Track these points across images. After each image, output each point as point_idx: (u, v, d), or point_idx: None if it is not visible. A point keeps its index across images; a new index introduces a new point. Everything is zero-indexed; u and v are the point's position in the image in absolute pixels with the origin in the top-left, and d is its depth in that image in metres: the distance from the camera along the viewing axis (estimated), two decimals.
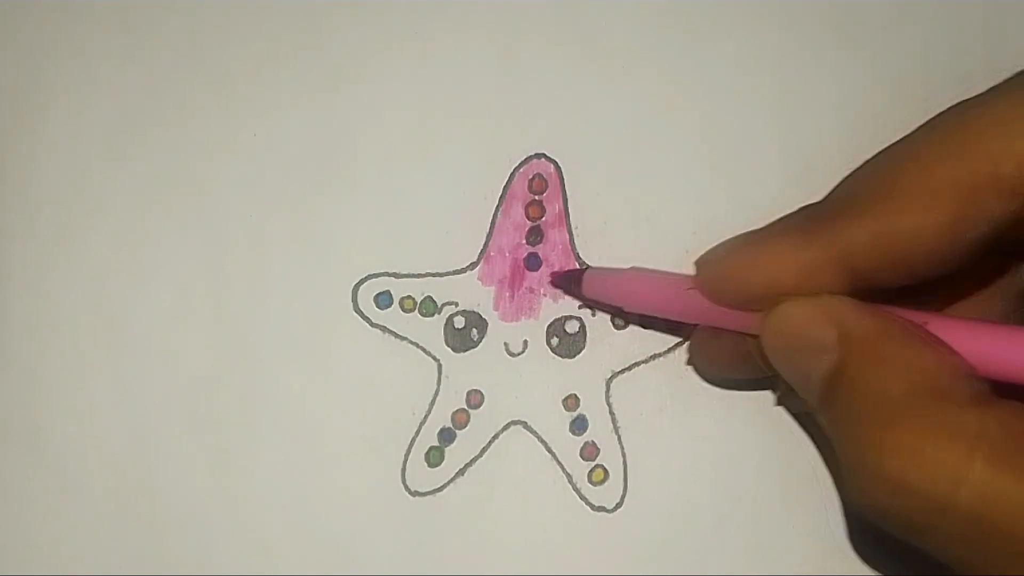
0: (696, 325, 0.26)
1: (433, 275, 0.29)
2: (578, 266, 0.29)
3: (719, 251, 0.23)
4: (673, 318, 0.26)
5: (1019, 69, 0.21)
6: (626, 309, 0.26)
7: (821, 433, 0.24)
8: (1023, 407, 0.19)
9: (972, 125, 0.20)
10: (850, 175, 0.22)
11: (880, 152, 0.22)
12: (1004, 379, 0.20)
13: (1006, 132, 0.19)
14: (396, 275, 0.29)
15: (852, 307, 0.21)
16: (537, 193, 0.29)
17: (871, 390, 0.20)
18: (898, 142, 0.21)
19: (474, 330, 0.29)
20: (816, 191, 0.28)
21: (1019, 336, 0.20)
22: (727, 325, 0.24)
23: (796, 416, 0.28)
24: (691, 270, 0.24)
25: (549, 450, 0.28)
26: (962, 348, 0.20)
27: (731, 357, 0.25)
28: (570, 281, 0.28)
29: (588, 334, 0.29)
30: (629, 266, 0.26)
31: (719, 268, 0.23)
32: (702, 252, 0.28)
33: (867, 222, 0.20)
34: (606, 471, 0.28)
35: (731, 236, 0.23)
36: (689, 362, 0.28)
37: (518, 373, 0.29)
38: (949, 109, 0.21)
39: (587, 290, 0.27)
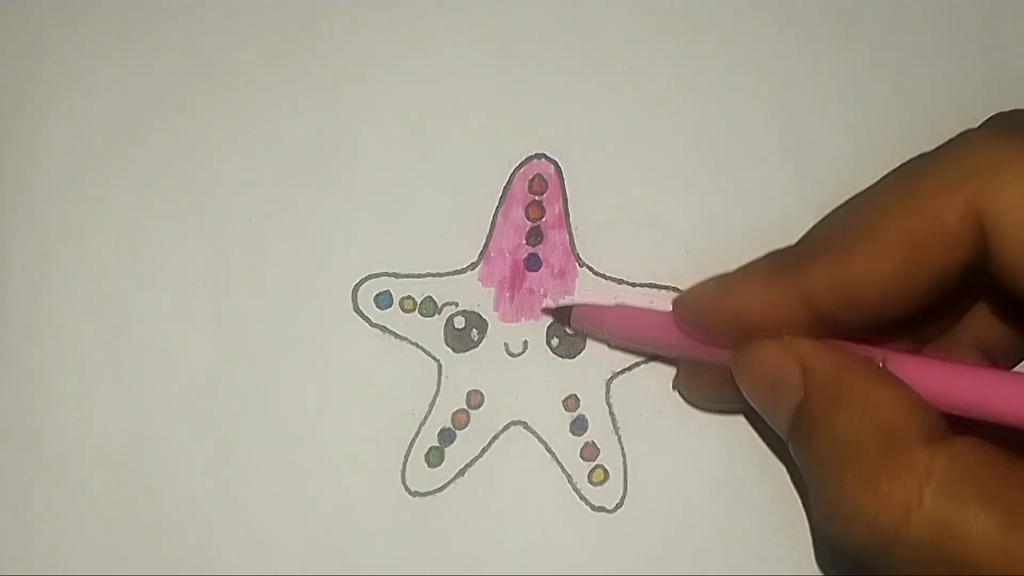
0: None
1: (433, 275, 0.29)
2: (578, 266, 0.29)
3: (695, 290, 0.25)
4: (656, 351, 0.27)
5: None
6: (612, 342, 0.28)
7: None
8: (972, 441, 0.20)
9: (920, 178, 0.21)
10: (818, 222, 0.23)
11: (847, 200, 0.23)
12: (956, 412, 0.22)
13: (950, 186, 0.20)
14: (396, 275, 0.29)
15: (815, 347, 0.22)
16: (537, 194, 0.29)
17: (831, 428, 0.21)
18: (863, 191, 0.22)
19: (474, 330, 0.29)
20: (816, 191, 0.28)
21: (970, 372, 0.22)
22: (705, 358, 0.25)
23: None
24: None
25: (549, 450, 0.28)
26: (918, 384, 0.22)
27: (713, 387, 0.26)
28: (559, 315, 0.28)
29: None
30: (615, 302, 0.28)
31: (694, 305, 0.24)
32: (702, 252, 0.29)
33: (824, 266, 0.22)
34: (606, 471, 0.28)
35: (707, 277, 0.24)
36: (675, 388, 0.28)
37: (518, 373, 0.29)
38: (909, 161, 0.22)
39: (575, 324, 0.28)
